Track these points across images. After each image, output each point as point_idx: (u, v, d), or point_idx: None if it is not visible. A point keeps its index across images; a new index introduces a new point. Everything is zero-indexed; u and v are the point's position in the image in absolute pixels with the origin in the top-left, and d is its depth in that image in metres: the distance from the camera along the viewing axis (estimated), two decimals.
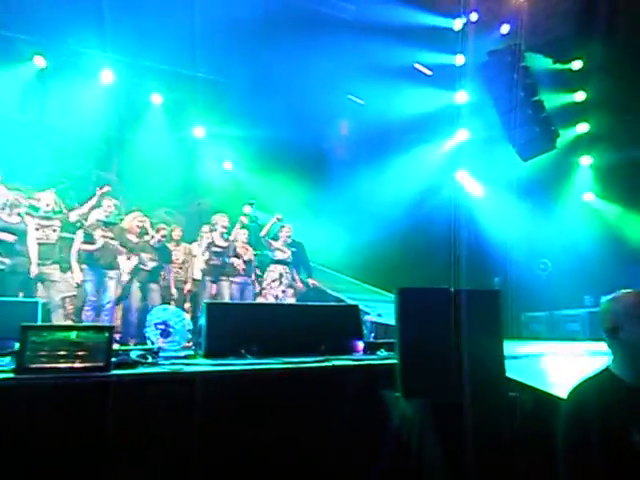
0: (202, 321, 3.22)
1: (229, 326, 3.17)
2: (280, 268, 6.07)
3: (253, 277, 6.28)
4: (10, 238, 4.96)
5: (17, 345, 2.37)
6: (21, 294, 4.92)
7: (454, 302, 2.67)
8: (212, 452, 2.45)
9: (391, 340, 3.47)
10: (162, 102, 8.44)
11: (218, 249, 6.09)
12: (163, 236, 5.95)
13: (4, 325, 2.84)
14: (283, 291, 5.95)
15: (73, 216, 5.61)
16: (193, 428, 2.43)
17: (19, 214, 5.13)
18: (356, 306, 3.70)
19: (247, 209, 8.19)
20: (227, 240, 6.20)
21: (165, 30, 6.71)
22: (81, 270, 5.38)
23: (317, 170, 8.27)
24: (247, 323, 3.23)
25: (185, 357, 3.17)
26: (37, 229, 5.20)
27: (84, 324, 4.44)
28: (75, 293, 5.49)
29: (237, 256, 6.21)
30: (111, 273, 5.50)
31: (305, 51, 7.19)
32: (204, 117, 8.42)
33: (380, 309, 5.77)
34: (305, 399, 2.73)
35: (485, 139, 7.96)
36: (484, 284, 7.09)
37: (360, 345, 3.55)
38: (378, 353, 3.46)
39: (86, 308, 5.35)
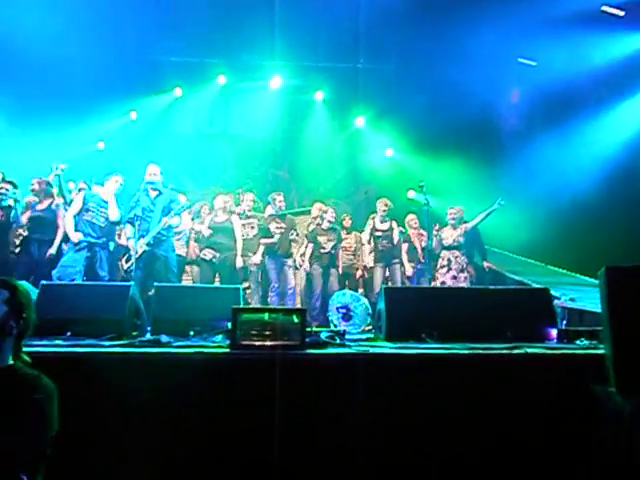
0: (381, 305, 3.27)
1: (408, 310, 3.16)
2: (448, 254, 5.82)
3: (425, 262, 6.16)
4: (207, 232, 5.78)
5: (229, 325, 2.75)
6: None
7: None
8: (386, 433, 2.48)
9: (595, 328, 3.05)
10: (324, 98, 8.86)
11: (379, 233, 6.16)
12: (334, 218, 6.18)
13: (216, 308, 3.30)
14: (454, 277, 5.70)
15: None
16: (375, 408, 2.51)
17: (227, 211, 5.91)
18: (547, 289, 3.34)
19: (411, 194, 8.11)
20: (386, 222, 6.21)
21: (324, 29, 7.01)
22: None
23: (487, 145, 7.71)
24: (426, 307, 3.17)
25: (366, 340, 3.27)
26: (243, 226, 5.96)
27: (283, 307, 4.94)
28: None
29: (407, 241, 6.19)
30: (289, 261, 6.00)
31: (465, 22, 6.75)
32: (364, 107, 8.57)
33: (570, 293, 5.12)
34: (492, 387, 2.57)
35: None
36: None
37: (553, 332, 3.20)
38: (577, 342, 3.07)
39: (271, 294, 5.94)
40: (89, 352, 2.52)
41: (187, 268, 6.15)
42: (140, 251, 4.66)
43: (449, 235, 5.85)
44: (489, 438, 2.50)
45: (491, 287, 3.45)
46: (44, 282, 3.35)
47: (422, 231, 6.28)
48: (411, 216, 6.42)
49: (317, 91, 8.78)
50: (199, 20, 7.27)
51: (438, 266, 5.83)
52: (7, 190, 5.33)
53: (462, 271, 5.68)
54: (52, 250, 5.20)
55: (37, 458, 1.63)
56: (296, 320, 2.57)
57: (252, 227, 6.04)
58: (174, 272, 4.86)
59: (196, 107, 8.87)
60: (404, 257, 6.25)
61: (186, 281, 6.05)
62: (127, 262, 4.83)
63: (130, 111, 8.67)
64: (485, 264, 6.09)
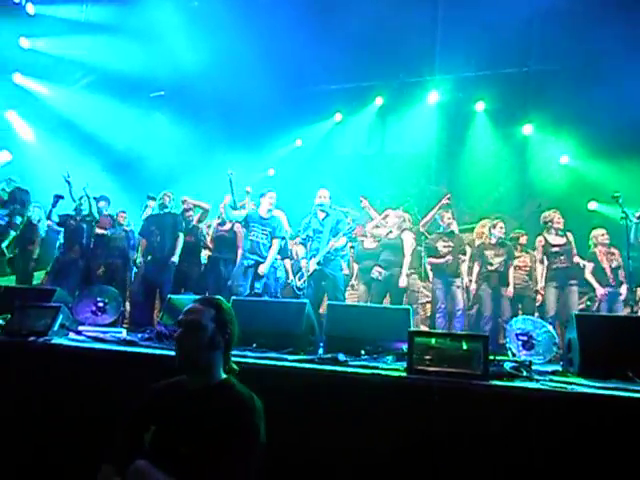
0: (572, 334, 2.89)
1: (608, 342, 2.73)
2: None
3: (624, 286, 5.27)
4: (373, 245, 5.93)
5: (404, 347, 2.71)
6: (386, 300, 5.73)
7: None
8: None
9: None
10: (485, 108, 8.41)
11: (555, 248, 5.49)
12: (503, 232, 5.75)
13: (386, 328, 3.31)
14: None
15: (422, 228, 6.37)
16: (573, 457, 2.18)
17: (400, 228, 5.95)
18: None
19: (593, 205, 7.13)
20: (563, 236, 5.54)
21: (486, 37, 6.66)
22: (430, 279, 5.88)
23: None
24: (632, 340, 2.70)
25: (554, 373, 2.91)
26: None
27: (461, 332, 4.72)
28: (429, 300, 5.99)
29: (592, 260, 5.42)
30: (457, 281, 5.69)
31: None
32: (532, 113, 7.88)
33: None
34: None
35: None
36: None
37: None
38: None
39: (437, 315, 5.68)
40: (276, 365, 2.73)
41: (353, 284, 6.31)
42: (311, 269, 4.97)
43: None
44: None
45: None
46: (234, 297, 3.79)
47: (612, 249, 5.44)
48: (600, 231, 5.60)
49: (478, 102, 8.36)
50: (355, 47, 7.58)
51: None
52: (191, 215, 6.20)
53: None
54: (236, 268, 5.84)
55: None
56: (478, 347, 2.41)
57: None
58: (342, 290, 5.04)
59: (354, 129, 9.22)
60: (590, 278, 5.48)
61: (350, 298, 6.20)
62: (299, 280, 5.18)
63: (296, 139, 9.44)
64: None
